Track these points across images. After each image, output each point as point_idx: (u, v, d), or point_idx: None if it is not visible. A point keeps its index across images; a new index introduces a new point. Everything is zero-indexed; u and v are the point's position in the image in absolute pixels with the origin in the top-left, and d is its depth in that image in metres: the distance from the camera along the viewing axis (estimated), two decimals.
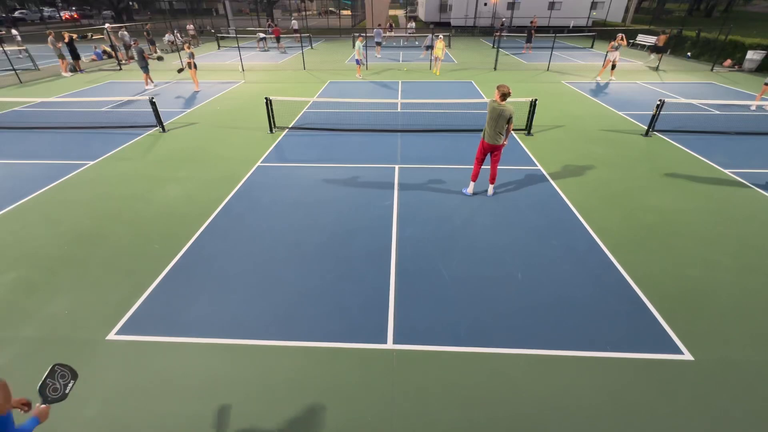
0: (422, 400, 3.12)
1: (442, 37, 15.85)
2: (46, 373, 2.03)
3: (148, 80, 13.71)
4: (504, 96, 5.31)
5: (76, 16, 48.15)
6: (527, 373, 3.33)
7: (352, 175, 6.98)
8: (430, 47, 21.64)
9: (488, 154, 5.90)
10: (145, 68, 13.14)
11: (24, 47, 18.21)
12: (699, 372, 3.33)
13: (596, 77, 15.16)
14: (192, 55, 12.78)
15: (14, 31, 15.43)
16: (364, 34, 16.28)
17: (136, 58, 13.17)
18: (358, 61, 14.85)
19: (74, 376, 2.16)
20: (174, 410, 3.05)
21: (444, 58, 15.97)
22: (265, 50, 23.71)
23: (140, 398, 3.14)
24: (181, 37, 23.84)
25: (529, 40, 21.98)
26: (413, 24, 28.30)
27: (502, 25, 26.67)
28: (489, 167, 6.14)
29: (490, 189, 6.17)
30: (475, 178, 6.11)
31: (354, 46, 15.43)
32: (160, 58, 12.80)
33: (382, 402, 3.11)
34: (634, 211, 5.80)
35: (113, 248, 5.00)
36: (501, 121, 5.40)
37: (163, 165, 7.47)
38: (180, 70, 13.27)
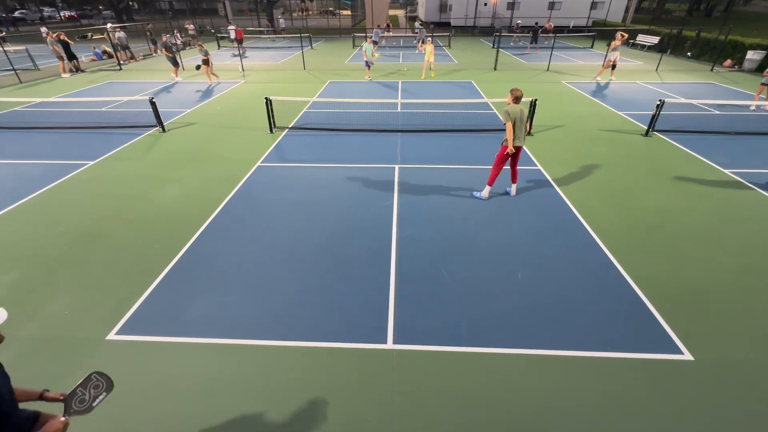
0: (422, 401, 3.12)
1: (430, 40, 15.47)
2: (79, 382, 1.68)
3: (176, 73, 15.17)
4: (518, 99, 5.45)
5: (75, 15, 48.04)
6: (527, 373, 3.33)
7: (352, 175, 6.98)
8: (424, 41, 22.40)
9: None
10: (173, 62, 14.75)
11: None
12: (699, 372, 3.33)
13: (596, 77, 15.16)
14: (207, 53, 13.81)
15: (43, 29, 15.48)
16: (371, 35, 16.04)
17: (164, 53, 14.75)
18: (367, 63, 14.62)
19: (109, 388, 1.77)
20: (174, 410, 3.05)
21: (436, 60, 15.50)
22: (237, 55, 21.08)
23: (140, 398, 3.14)
24: (181, 37, 23.83)
25: (534, 41, 21.96)
26: (419, 24, 28.21)
27: (517, 26, 26.63)
28: (508, 168, 6.15)
29: (514, 189, 6.18)
30: (492, 183, 5.99)
31: (362, 47, 14.95)
32: (198, 67, 13.87)
33: (382, 402, 3.11)
34: (634, 211, 5.80)
35: (113, 248, 5.00)
36: (524, 119, 5.56)
37: (163, 165, 7.47)
38: (198, 67, 13.92)
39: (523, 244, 5.03)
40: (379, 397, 3.14)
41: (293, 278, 4.45)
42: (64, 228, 5.44)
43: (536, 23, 23.75)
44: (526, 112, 5.53)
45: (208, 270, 4.59)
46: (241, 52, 21.81)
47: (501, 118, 5.51)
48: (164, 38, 15.58)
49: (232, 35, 22.96)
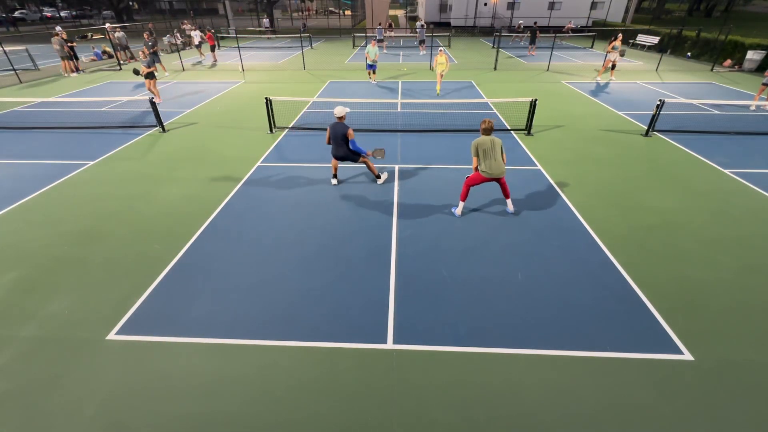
0: (422, 400, 3.12)
1: (442, 50, 12.59)
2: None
3: (162, 68, 15.86)
4: (486, 131, 5.19)
5: (48, 15, 46.26)
6: (527, 373, 3.33)
7: (352, 174, 6.98)
8: (423, 41, 21.68)
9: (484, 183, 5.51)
10: (156, 59, 15.02)
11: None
12: (699, 372, 3.33)
13: (596, 77, 15.16)
14: (149, 64, 10.99)
15: (58, 28, 15.51)
16: (375, 37, 14.57)
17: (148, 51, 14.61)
18: (371, 66, 13.71)
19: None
20: (174, 410, 3.05)
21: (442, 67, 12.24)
22: (200, 62, 19.18)
23: (140, 398, 3.14)
24: (181, 37, 23.80)
25: (533, 42, 21.71)
26: (422, 22, 27.66)
27: (520, 27, 26.17)
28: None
29: (510, 204, 5.72)
30: (465, 198, 5.62)
31: (365, 50, 13.74)
32: (136, 72, 10.96)
33: (382, 402, 3.11)
34: (634, 211, 5.80)
35: (113, 248, 5.00)
36: (497, 149, 5.19)
37: (163, 165, 7.47)
38: (136, 72, 10.99)
39: (523, 244, 5.03)
40: (379, 397, 3.14)
41: (293, 278, 4.45)
42: (64, 228, 5.44)
43: (535, 23, 23.66)
44: (499, 142, 5.21)
45: (208, 270, 4.59)
46: (203, 58, 19.36)
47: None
48: (146, 36, 15.66)
49: (197, 40, 19.82)
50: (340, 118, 5.89)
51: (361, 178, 6.84)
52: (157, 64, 14.48)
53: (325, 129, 9.42)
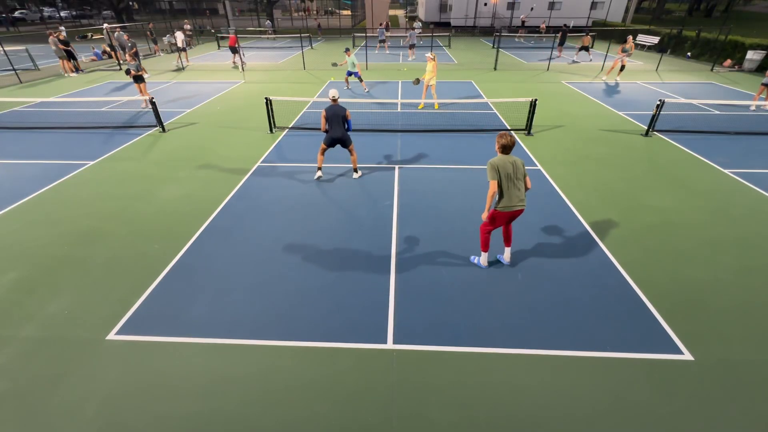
0: (422, 401, 3.12)
1: (431, 55, 10.27)
2: None
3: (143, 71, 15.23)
4: (506, 148, 3.94)
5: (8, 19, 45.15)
6: (527, 373, 3.33)
7: (352, 174, 6.98)
8: (414, 46, 20.29)
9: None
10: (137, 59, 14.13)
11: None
12: (699, 372, 3.33)
13: (603, 77, 15.13)
14: (138, 67, 10.65)
15: (61, 27, 15.66)
16: (377, 38, 12.77)
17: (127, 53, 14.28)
18: (356, 74, 12.38)
19: None
20: (174, 410, 3.05)
21: (438, 60, 11.24)
22: (180, 69, 17.39)
23: (140, 398, 3.14)
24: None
25: (562, 43, 20.68)
26: (420, 23, 27.58)
27: (523, 22, 26.05)
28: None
29: (508, 254, 4.62)
30: (487, 248, 4.47)
31: (351, 60, 12.24)
32: (128, 72, 10.48)
33: (382, 402, 3.11)
34: (634, 210, 5.80)
35: (113, 248, 5.00)
36: (520, 174, 4.01)
37: (163, 165, 7.47)
38: (128, 72, 10.68)
39: (523, 244, 5.03)
40: (379, 397, 3.14)
41: (293, 278, 4.45)
42: (64, 228, 5.43)
43: (565, 24, 23.26)
44: (522, 163, 4.02)
45: (208, 270, 4.58)
46: (188, 64, 18.17)
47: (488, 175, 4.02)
48: (126, 37, 15.53)
49: (179, 42, 17.84)
50: (335, 99, 6.24)
51: (361, 178, 6.84)
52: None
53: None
